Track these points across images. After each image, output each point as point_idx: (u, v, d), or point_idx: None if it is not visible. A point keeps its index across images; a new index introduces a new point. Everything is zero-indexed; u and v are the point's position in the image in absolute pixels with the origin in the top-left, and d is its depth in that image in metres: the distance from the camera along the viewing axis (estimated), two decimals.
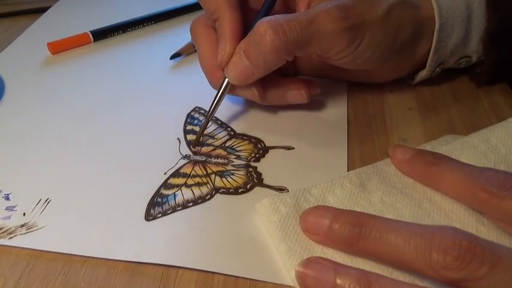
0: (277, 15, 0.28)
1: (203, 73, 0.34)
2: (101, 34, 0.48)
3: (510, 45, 0.34)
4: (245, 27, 0.31)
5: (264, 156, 0.32)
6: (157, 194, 0.29)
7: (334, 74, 0.38)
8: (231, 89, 0.32)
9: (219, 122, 0.35)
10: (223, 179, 0.30)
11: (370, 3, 0.30)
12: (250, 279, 0.24)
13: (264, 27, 0.28)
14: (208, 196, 0.29)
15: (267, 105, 0.34)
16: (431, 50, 0.33)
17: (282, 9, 0.33)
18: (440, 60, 0.35)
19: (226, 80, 0.32)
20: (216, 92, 0.32)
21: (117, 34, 0.49)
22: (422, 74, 0.36)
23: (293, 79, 0.34)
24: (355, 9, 0.29)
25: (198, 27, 0.34)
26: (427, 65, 0.34)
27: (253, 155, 0.32)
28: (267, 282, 0.24)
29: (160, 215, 0.28)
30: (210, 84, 0.34)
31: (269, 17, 0.28)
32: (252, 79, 0.30)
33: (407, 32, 0.32)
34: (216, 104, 0.32)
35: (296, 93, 0.34)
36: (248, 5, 0.33)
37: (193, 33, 0.35)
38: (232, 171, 0.31)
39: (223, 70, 0.31)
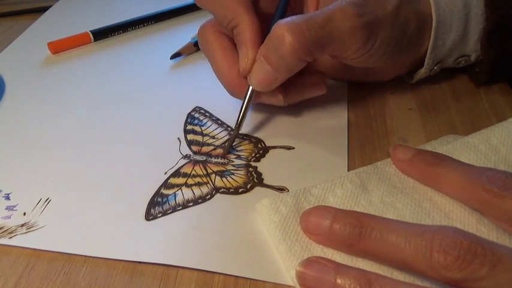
0: (293, 17, 0.28)
1: (220, 82, 0.33)
2: (101, 34, 0.48)
3: (508, 44, 0.34)
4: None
5: (264, 156, 0.32)
6: (157, 193, 0.29)
7: (337, 75, 0.38)
8: (256, 96, 0.32)
9: (219, 122, 0.35)
10: (224, 179, 0.30)
11: (380, 0, 0.30)
12: (250, 279, 0.24)
13: (281, 29, 0.27)
14: (209, 196, 0.29)
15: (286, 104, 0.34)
16: (429, 48, 0.33)
17: (290, 12, 0.33)
18: (439, 59, 0.35)
19: (251, 88, 0.31)
20: (242, 101, 0.32)
21: (118, 34, 0.49)
22: (421, 72, 0.35)
23: (308, 75, 0.34)
24: (368, 6, 0.29)
25: (209, 34, 0.33)
26: (425, 62, 0.34)
27: (253, 154, 0.32)
28: (267, 282, 0.24)
29: (160, 214, 0.28)
30: (230, 92, 0.33)
31: (285, 19, 0.28)
32: (276, 84, 0.30)
33: (413, 27, 0.32)
34: (244, 114, 0.32)
35: (315, 88, 0.34)
36: (261, 10, 0.33)
37: (203, 41, 0.34)
38: (232, 171, 0.31)
39: (246, 78, 0.31)
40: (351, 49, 0.29)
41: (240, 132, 0.34)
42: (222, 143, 0.33)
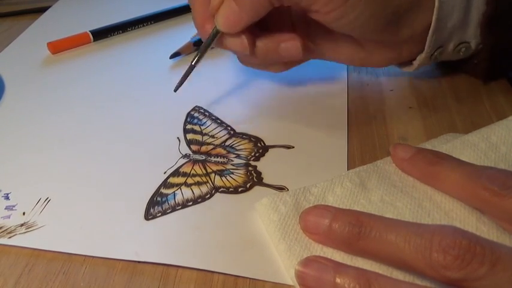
0: None
1: (195, 27, 0.33)
2: (100, 34, 0.48)
3: (508, 30, 0.33)
4: None
5: (263, 155, 0.32)
6: (157, 193, 0.29)
7: (328, 53, 0.35)
8: (220, 41, 0.32)
9: (219, 121, 0.35)
10: (223, 178, 0.30)
11: None
12: (250, 278, 0.24)
13: None
14: (208, 195, 0.29)
15: (259, 65, 0.33)
16: (431, 29, 0.32)
17: None
18: (440, 43, 0.33)
19: (215, 27, 0.31)
20: (205, 40, 0.32)
21: (117, 34, 0.49)
22: (422, 56, 0.34)
23: (286, 32, 0.33)
24: None
25: None
26: (426, 45, 0.33)
27: (253, 154, 0.32)
28: (266, 281, 0.24)
29: (159, 214, 0.28)
30: (201, 35, 0.33)
31: None
32: (241, 25, 0.30)
33: None
34: (203, 51, 0.32)
35: (290, 45, 0.32)
36: None
37: None
38: (232, 170, 0.31)
39: (214, 19, 0.31)
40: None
41: (239, 131, 0.34)
42: (222, 142, 0.33)
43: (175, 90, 0.33)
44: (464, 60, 0.36)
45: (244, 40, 0.31)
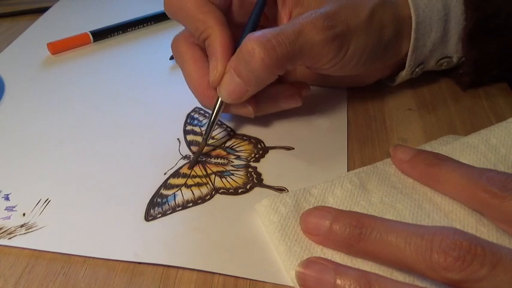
0: (264, 30, 0.28)
1: (191, 92, 0.33)
2: (100, 34, 0.48)
3: (490, 44, 0.34)
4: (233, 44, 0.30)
5: (263, 157, 0.32)
6: (157, 194, 0.29)
7: (318, 81, 0.37)
8: (225, 107, 0.31)
9: (219, 122, 0.35)
10: (223, 179, 0.30)
11: (352, 9, 0.30)
12: (250, 279, 0.24)
13: (252, 44, 0.27)
14: (208, 196, 0.29)
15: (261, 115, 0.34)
16: (410, 49, 0.33)
17: (263, 21, 0.33)
18: (420, 60, 0.34)
19: (220, 99, 0.31)
20: (211, 112, 0.31)
21: (117, 34, 0.49)
22: (402, 74, 0.35)
23: (283, 85, 0.34)
24: (339, 17, 0.29)
25: (181, 45, 0.33)
26: (407, 64, 0.34)
27: (253, 155, 0.32)
28: (266, 282, 0.24)
29: (160, 215, 0.28)
30: (201, 103, 0.33)
31: (256, 33, 0.28)
32: (246, 96, 0.30)
33: (389, 32, 0.32)
34: (212, 125, 0.31)
35: (289, 99, 0.33)
36: (233, 21, 0.33)
37: (176, 52, 0.33)
38: (232, 172, 0.31)
39: (216, 89, 0.30)
40: (323, 60, 0.29)
41: (239, 132, 0.34)
42: (222, 143, 0.33)
43: (190, 168, 0.31)
44: (449, 71, 0.37)
45: (249, 108, 0.32)
